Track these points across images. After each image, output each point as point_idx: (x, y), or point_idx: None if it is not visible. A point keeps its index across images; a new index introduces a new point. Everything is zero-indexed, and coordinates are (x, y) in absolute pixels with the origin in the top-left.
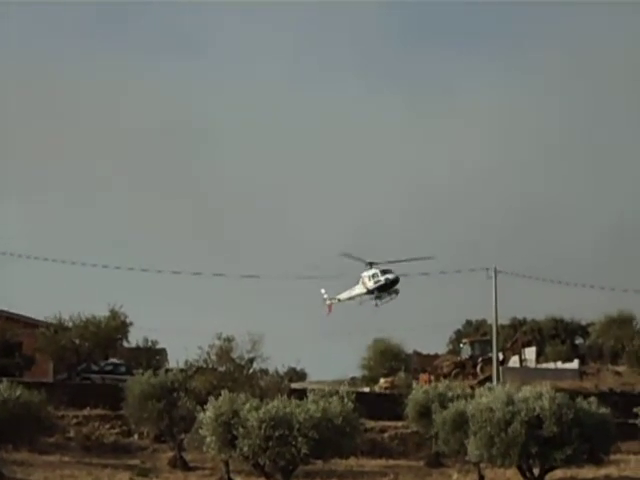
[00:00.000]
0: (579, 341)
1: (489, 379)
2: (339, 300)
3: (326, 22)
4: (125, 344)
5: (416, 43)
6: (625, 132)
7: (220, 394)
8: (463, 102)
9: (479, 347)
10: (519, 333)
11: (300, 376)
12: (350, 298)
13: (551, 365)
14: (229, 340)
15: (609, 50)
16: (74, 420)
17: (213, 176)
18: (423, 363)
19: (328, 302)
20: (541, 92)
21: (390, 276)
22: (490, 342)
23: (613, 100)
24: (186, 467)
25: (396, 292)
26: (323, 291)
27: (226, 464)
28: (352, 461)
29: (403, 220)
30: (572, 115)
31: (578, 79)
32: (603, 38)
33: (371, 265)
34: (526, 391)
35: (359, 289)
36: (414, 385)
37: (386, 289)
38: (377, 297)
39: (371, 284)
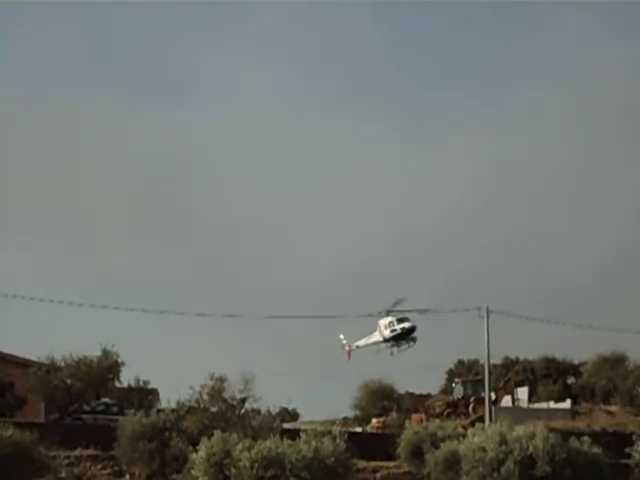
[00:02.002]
0: (571, 381)
1: (481, 419)
2: (357, 347)
3: (317, 53)
4: (117, 384)
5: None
6: (618, 167)
7: (212, 434)
8: (456, 140)
9: (471, 387)
10: (511, 373)
11: (292, 416)
12: (367, 345)
13: (543, 405)
14: (221, 380)
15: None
16: (66, 460)
17: (205, 215)
18: (415, 403)
19: (347, 348)
20: (533, 129)
21: (406, 325)
22: (482, 382)
23: (604, 137)
24: None
25: (414, 340)
26: (342, 336)
27: None
28: None
29: (392, 259)
30: (564, 151)
31: (570, 115)
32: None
33: (388, 313)
34: (519, 431)
35: (376, 337)
36: (406, 425)
37: (402, 338)
38: (393, 345)
39: (387, 332)
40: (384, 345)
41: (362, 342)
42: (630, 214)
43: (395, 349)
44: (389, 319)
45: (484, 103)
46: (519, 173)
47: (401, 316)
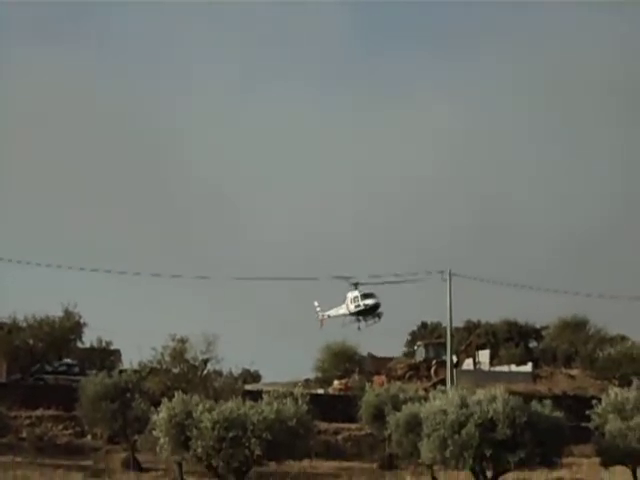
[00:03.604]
0: (533, 344)
1: (443, 382)
2: (329, 316)
3: (283, 22)
4: (79, 345)
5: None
6: (592, 135)
7: (174, 395)
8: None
9: (433, 350)
10: (473, 336)
11: (254, 378)
12: (337, 316)
13: (505, 368)
14: (183, 341)
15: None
16: (27, 421)
17: (176, 176)
18: (378, 366)
19: (320, 317)
20: (496, 90)
21: (369, 302)
22: (444, 345)
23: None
24: (139, 468)
25: (379, 316)
26: (316, 304)
27: (179, 465)
28: (306, 463)
29: (360, 223)
30: (535, 116)
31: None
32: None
33: (356, 286)
34: (480, 394)
35: (344, 309)
36: (368, 387)
37: (367, 313)
38: (359, 320)
39: (352, 307)
40: (350, 318)
41: (332, 312)
42: (602, 181)
43: (363, 324)
44: (355, 293)
45: (458, 67)
46: (492, 140)
47: (367, 292)
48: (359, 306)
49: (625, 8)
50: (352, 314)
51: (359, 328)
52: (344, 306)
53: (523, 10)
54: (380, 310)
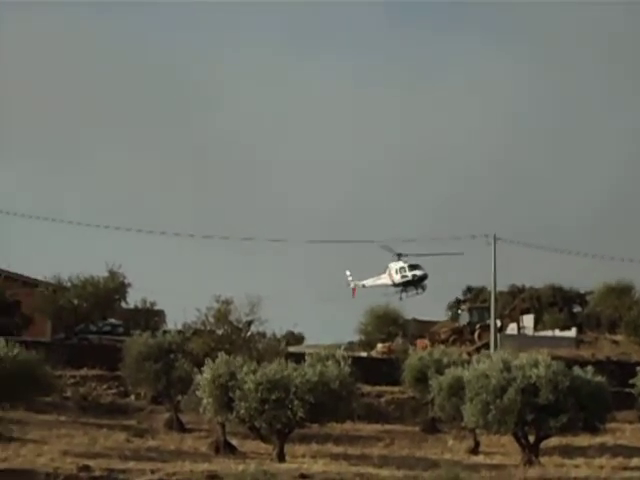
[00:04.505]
0: (577, 309)
1: (486, 346)
2: (364, 286)
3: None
4: (123, 305)
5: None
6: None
7: (217, 356)
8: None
9: (477, 314)
10: (517, 300)
11: (297, 339)
12: (374, 286)
13: (549, 333)
14: (227, 303)
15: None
16: (71, 380)
17: (213, 138)
18: (421, 329)
19: (352, 285)
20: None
21: (418, 272)
22: (488, 309)
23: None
24: (182, 429)
25: (423, 288)
26: (348, 273)
27: (222, 426)
28: (348, 425)
29: (394, 185)
30: (570, 83)
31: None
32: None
33: (399, 257)
34: (523, 358)
35: (385, 279)
36: (411, 351)
37: (412, 284)
38: (403, 291)
39: (398, 277)
40: (392, 289)
41: (369, 282)
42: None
43: (404, 295)
44: (400, 264)
45: (470, 38)
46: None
47: (413, 263)
48: (406, 277)
49: None
50: (396, 285)
51: (401, 299)
52: (385, 276)
53: None
54: (425, 282)
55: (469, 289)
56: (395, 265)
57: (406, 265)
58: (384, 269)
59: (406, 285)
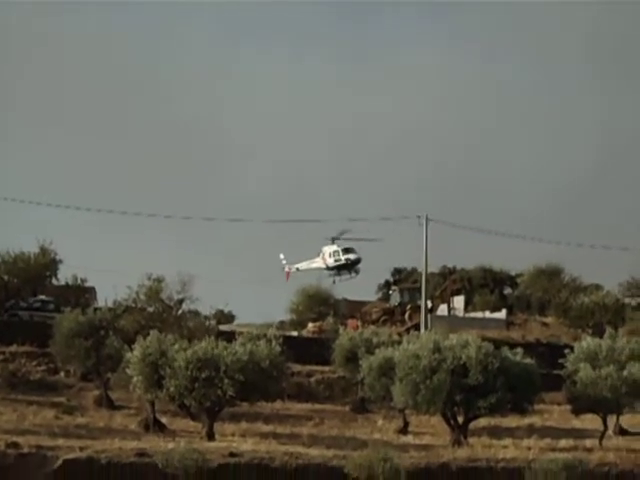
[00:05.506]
0: (507, 291)
1: (417, 327)
2: (297, 269)
3: None
4: (54, 281)
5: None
6: (577, 86)
7: (148, 334)
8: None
9: (408, 294)
10: (448, 281)
11: (228, 318)
12: (308, 269)
13: (479, 314)
14: (159, 280)
15: None
16: (0, 356)
17: (148, 117)
18: (352, 309)
19: (286, 269)
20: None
21: (352, 256)
22: (419, 290)
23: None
24: (112, 406)
25: (357, 271)
26: (282, 256)
27: (152, 404)
28: (278, 404)
29: (338, 169)
30: (516, 70)
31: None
32: None
33: (333, 241)
34: (453, 339)
35: (319, 263)
36: (341, 330)
37: (346, 268)
38: (336, 274)
39: (331, 261)
40: (326, 272)
41: (303, 265)
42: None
43: (337, 278)
44: (334, 248)
45: (436, 21)
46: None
47: (347, 246)
48: (339, 260)
49: None
50: (330, 268)
51: (334, 282)
52: (319, 260)
53: None
54: (359, 266)
55: (399, 270)
56: (329, 249)
57: (340, 249)
58: (317, 253)
59: (340, 269)
